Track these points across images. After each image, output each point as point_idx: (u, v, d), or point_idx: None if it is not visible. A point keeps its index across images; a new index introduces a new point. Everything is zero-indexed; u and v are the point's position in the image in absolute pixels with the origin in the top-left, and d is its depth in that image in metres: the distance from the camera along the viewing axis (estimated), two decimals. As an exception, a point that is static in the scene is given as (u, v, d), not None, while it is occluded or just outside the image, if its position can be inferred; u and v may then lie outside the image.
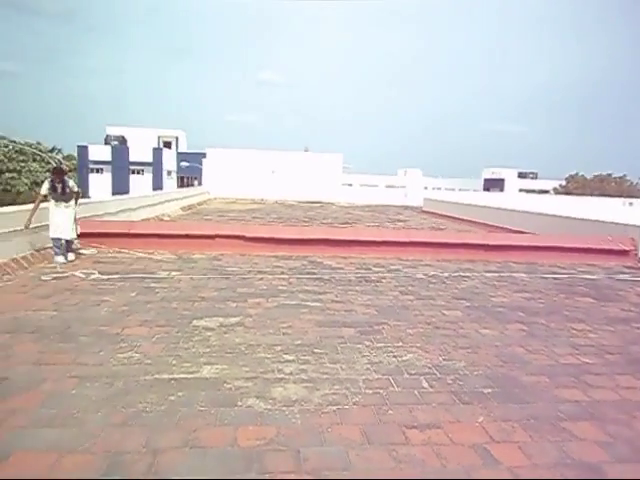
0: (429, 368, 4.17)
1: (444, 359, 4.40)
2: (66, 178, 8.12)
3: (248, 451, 2.85)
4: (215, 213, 19.40)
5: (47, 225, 7.99)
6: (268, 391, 3.62)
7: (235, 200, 27.75)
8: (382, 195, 33.84)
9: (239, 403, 3.42)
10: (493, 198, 29.93)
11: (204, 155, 33.60)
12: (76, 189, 8.27)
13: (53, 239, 7.92)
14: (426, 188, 54.83)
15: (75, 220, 8.19)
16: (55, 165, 8.91)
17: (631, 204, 28.66)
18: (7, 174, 42.89)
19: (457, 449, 2.95)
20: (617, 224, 11.48)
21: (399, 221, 18.91)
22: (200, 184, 34.87)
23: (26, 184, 42.75)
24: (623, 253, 10.54)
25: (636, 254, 10.52)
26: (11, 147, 40.65)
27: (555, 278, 8.41)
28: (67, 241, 8.05)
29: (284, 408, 3.37)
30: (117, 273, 7.31)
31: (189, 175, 50.55)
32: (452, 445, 2.99)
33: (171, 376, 3.82)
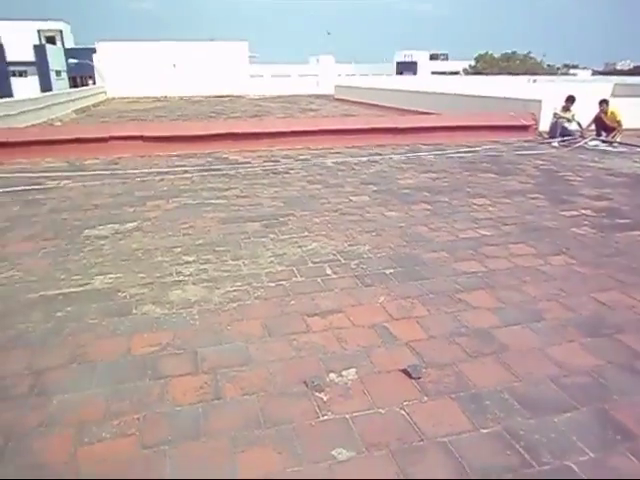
0: (333, 255, 4.13)
1: (349, 245, 4.37)
2: None
3: (142, 359, 2.70)
4: (113, 114, 17.90)
5: None
6: (165, 295, 3.44)
7: (136, 99, 25.68)
8: (294, 85, 32.50)
9: (134, 311, 3.23)
10: (405, 82, 29.64)
11: (94, 51, 30.26)
12: None
13: None
14: (339, 75, 53.21)
15: None
16: None
17: (535, 81, 29.40)
18: None
19: (357, 331, 2.96)
20: (520, 100, 11.72)
21: (311, 110, 18.38)
22: (95, 84, 31.77)
23: None
24: (524, 128, 10.87)
25: (536, 128, 10.88)
26: None
27: (460, 157, 8.56)
28: None
29: (182, 311, 3.22)
30: (-4, 187, 6.57)
31: (82, 74, 45.59)
32: (352, 327, 3.00)
33: (59, 291, 3.53)
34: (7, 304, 3.35)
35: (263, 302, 3.33)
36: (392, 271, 3.82)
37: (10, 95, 37.25)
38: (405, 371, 2.54)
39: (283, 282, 3.63)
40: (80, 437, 2.14)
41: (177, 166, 7.79)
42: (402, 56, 70.32)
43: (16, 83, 42.05)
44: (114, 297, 3.43)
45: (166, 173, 7.28)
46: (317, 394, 2.39)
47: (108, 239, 4.56)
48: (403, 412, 2.27)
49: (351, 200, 5.79)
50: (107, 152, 8.71)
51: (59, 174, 7.32)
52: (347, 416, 2.24)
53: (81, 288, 3.58)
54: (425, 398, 2.36)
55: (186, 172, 7.34)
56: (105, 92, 26.95)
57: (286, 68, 60.33)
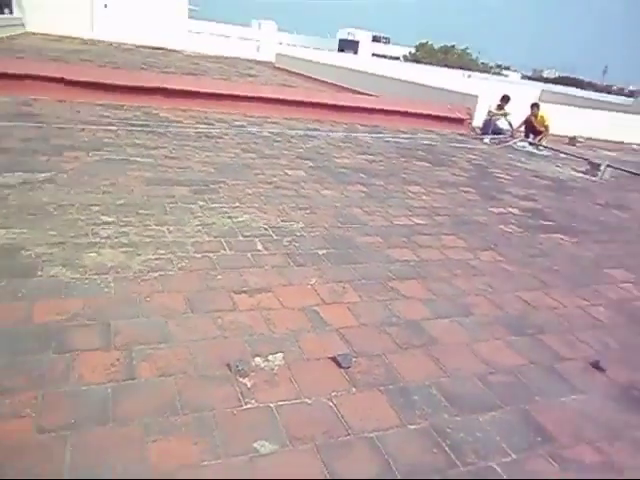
0: (265, 229, 3.94)
1: (282, 220, 4.20)
2: None
3: (45, 328, 2.41)
4: (31, 51, 16.30)
5: None
6: (78, 258, 3.11)
7: (59, 38, 23.60)
8: (233, 47, 31.22)
9: (39, 273, 2.89)
10: (347, 59, 29.42)
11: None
12: None
13: None
14: (281, 43, 51.92)
15: None
16: None
17: (470, 76, 30.26)
18: None
19: (287, 313, 2.82)
20: (458, 93, 11.93)
21: (249, 76, 17.75)
22: (12, 13, 28.82)
23: None
24: (459, 121, 11.09)
25: (470, 123, 11.14)
26: None
27: (397, 142, 8.57)
28: None
29: (96, 277, 2.92)
30: None
31: (-2, 2, 41.28)
32: (282, 309, 2.86)
33: (-51, 243, 3.09)
34: None
35: (187, 274, 3.10)
36: (325, 252, 3.70)
37: None
38: (334, 359, 2.44)
39: (210, 254, 3.40)
40: (-37, 416, 1.85)
41: (101, 117, 7.18)
42: (345, 33, 69.80)
43: None
44: (17, 255, 3.05)
45: (88, 123, 6.68)
46: (241, 379, 2.23)
47: (14, 189, 4.08)
48: (331, 403, 2.17)
49: (286, 174, 5.60)
50: (20, 91, 7.86)
51: (-38, 109, 6.52)
52: (272, 405, 2.11)
53: (-22, 242, 3.16)
54: (353, 389, 2.28)
55: (111, 124, 6.78)
56: (23, 24, 24.54)
57: (226, 28, 57.89)
